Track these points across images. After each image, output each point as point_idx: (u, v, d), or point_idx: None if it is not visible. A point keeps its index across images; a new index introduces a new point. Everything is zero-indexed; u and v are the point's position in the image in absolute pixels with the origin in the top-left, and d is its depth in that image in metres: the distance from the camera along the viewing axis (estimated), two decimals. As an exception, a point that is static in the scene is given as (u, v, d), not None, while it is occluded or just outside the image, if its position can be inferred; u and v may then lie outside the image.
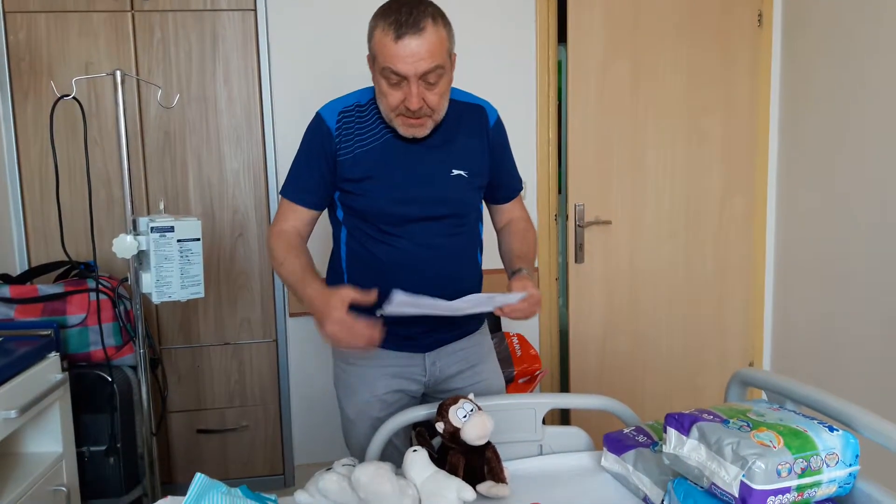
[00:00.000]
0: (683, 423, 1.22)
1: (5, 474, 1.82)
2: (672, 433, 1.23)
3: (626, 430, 1.50)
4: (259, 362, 2.79)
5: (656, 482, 1.32)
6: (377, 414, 1.65)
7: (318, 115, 1.60)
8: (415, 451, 1.36)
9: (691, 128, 2.95)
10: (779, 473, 1.09)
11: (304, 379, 2.85)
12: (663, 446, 1.25)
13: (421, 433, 1.52)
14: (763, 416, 1.22)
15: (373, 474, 1.27)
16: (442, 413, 1.43)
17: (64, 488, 1.90)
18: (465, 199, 1.63)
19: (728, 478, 1.11)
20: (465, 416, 1.40)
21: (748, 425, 1.17)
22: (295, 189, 1.61)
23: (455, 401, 1.44)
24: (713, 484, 1.13)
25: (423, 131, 1.52)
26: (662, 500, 1.28)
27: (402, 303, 1.42)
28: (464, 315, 1.53)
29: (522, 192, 1.75)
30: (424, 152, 1.56)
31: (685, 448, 1.20)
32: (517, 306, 1.47)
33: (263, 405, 2.79)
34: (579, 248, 2.93)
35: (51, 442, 1.93)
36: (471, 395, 1.47)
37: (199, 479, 1.21)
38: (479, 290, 1.66)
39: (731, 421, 1.20)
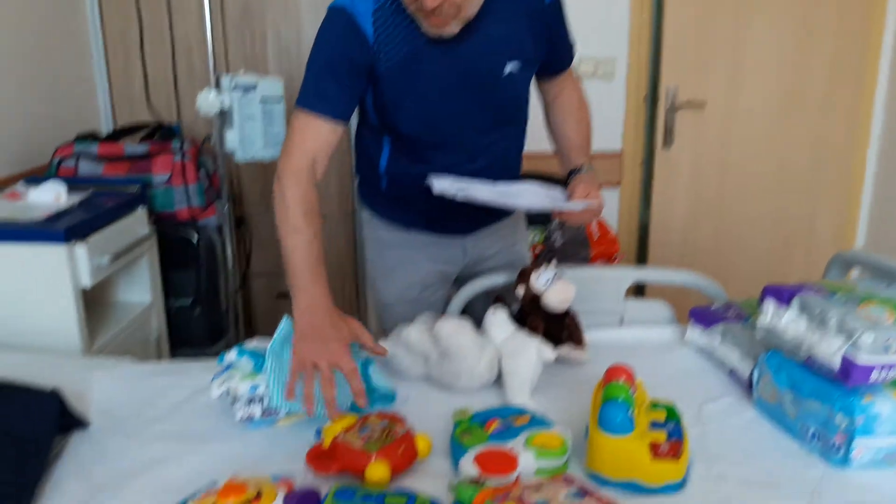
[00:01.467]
0: (783, 295, 1.15)
1: (101, 320, 1.92)
2: (770, 305, 1.17)
3: (714, 306, 1.45)
4: (336, 234, 2.81)
5: (745, 355, 1.27)
6: (416, 296, 1.61)
7: (342, 11, 1.28)
8: (495, 311, 1.34)
9: (801, 10, 2.69)
10: (887, 349, 1.02)
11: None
12: (758, 319, 1.19)
13: (500, 299, 1.51)
14: (872, 293, 1.14)
15: (454, 328, 1.26)
16: (523, 278, 1.40)
17: (154, 335, 1.99)
18: (518, 99, 1.46)
19: (830, 350, 1.05)
20: (546, 282, 1.37)
21: (855, 300, 1.10)
22: (317, 98, 1.31)
23: (537, 267, 1.40)
24: (811, 357, 1.08)
25: (448, 30, 1.27)
26: (751, 374, 1.24)
27: (451, 186, 1.32)
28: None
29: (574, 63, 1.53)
30: (470, 51, 1.32)
31: (783, 320, 1.14)
32: (575, 215, 1.38)
33: (341, 276, 2.84)
34: (668, 132, 2.78)
35: (141, 292, 2.02)
36: (552, 263, 1.43)
37: (285, 322, 1.23)
38: None
39: (837, 294, 1.12)
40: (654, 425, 1.06)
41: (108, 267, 1.76)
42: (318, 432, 1.11)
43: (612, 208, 2.85)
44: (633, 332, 1.50)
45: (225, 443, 1.16)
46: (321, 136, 1.31)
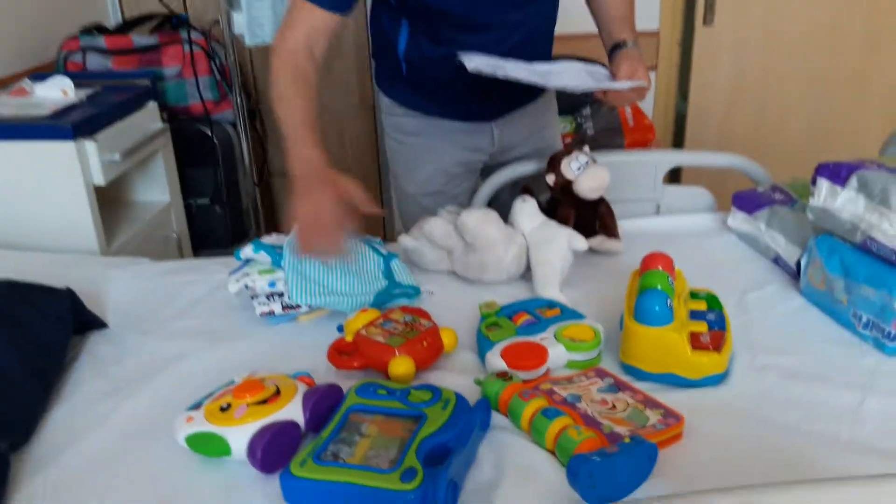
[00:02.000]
0: (839, 172, 1.05)
1: (119, 220, 1.88)
2: (823, 184, 1.07)
3: (760, 189, 1.34)
4: (357, 130, 2.71)
5: (792, 241, 1.19)
6: (440, 187, 1.51)
7: None
8: (524, 200, 1.26)
9: None
10: (955, 228, 0.93)
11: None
12: (809, 200, 1.10)
13: (528, 189, 1.42)
14: (940, 169, 1.03)
15: (480, 218, 1.19)
16: (553, 165, 1.31)
17: (174, 235, 1.96)
18: None
19: (892, 231, 0.95)
20: (578, 168, 1.28)
21: (922, 176, 0.99)
22: None
23: (568, 152, 1.31)
24: (869, 238, 0.98)
25: None
26: (798, 260, 1.15)
27: (485, 64, 1.19)
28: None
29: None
30: None
31: (839, 200, 1.04)
32: (620, 94, 1.25)
33: (363, 174, 2.76)
34: (709, 8, 2.58)
35: (158, 191, 1.97)
36: (585, 148, 1.33)
37: None
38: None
39: (901, 170, 1.02)
40: (695, 315, 0.99)
41: (121, 164, 1.70)
42: (340, 328, 1.07)
43: (648, 93, 2.69)
44: (670, 221, 1.42)
45: (245, 339, 1.12)
46: (316, 23, 1.22)
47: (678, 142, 2.80)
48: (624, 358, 0.97)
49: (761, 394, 0.92)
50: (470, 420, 0.83)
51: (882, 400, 0.89)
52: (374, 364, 0.98)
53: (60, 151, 1.58)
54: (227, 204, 2.18)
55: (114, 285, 1.31)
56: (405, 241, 1.25)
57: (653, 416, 0.84)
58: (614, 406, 0.86)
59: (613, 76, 1.25)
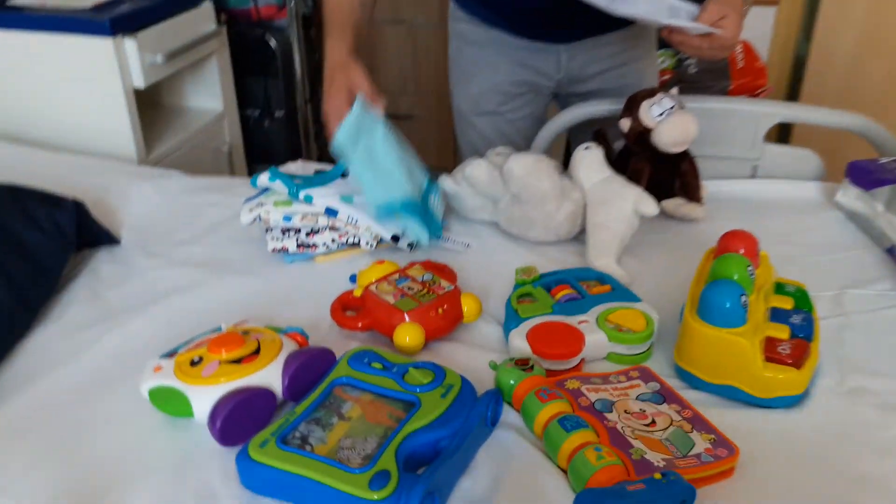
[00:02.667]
0: None
1: (165, 127, 1.77)
2: (974, 166, 0.83)
3: (883, 160, 1.10)
4: (436, 48, 2.51)
5: (919, 232, 0.96)
6: (495, 107, 1.34)
7: None
8: (587, 148, 1.07)
9: None
10: None
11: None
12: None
13: (601, 132, 1.22)
14: None
15: (530, 167, 1.01)
16: (631, 107, 1.10)
17: (225, 147, 1.86)
18: None
19: None
20: (661, 115, 1.06)
21: None
22: None
23: (651, 94, 1.09)
24: None
25: None
26: (922, 256, 0.93)
27: None
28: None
29: None
30: None
31: None
32: (691, 40, 1.02)
33: (437, 95, 2.57)
34: (853, -65, 2.20)
35: (211, 99, 1.86)
36: (673, 90, 1.12)
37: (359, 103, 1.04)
38: None
39: None
40: (776, 316, 0.80)
41: (165, 67, 1.58)
42: (353, 278, 0.93)
43: (764, 31, 2.36)
44: (766, 187, 1.19)
45: (253, 276, 1.00)
46: None
47: (793, 93, 2.46)
48: (678, 359, 0.79)
49: (847, 428, 0.73)
50: (471, 416, 0.69)
51: None
52: (380, 327, 0.84)
53: (97, 48, 1.47)
54: (285, 117, 2.06)
55: (135, 198, 1.23)
56: (446, 183, 1.09)
57: (700, 443, 0.67)
58: (654, 422, 0.70)
59: (697, 18, 1.02)
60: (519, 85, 1.32)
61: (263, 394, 0.72)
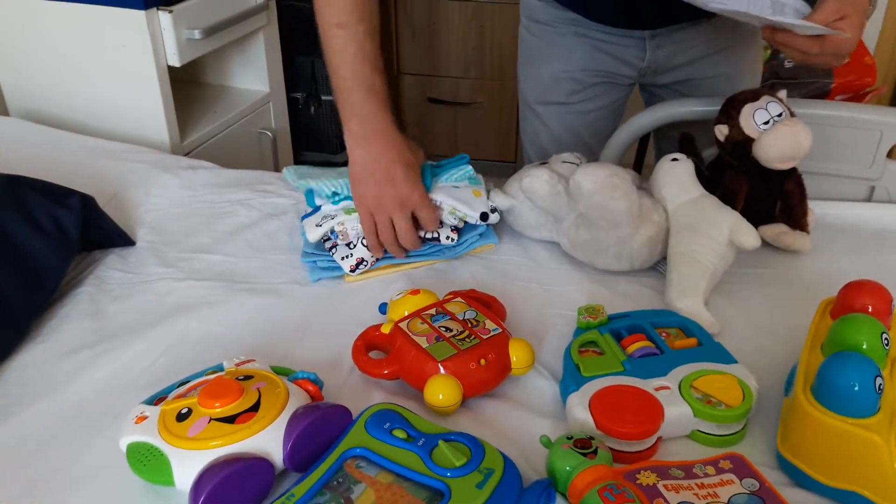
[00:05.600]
0: None
1: (205, 109, 1.65)
2: None
3: None
4: (502, 29, 2.33)
5: None
6: (564, 97, 1.16)
7: None
8: (675, 160, 0.90)
9: None
10: None
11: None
12: None
13: (689, 138, 1.04)
14: None
15: (603, 182, 0.84)
16: (730, 111, 0.92)
17: (269, 133, 1.73)
18: None
19: None
20: (766, 123, 0.88)
21: None
22: None
23: (755, 96, 0.91)
24: None
25: None
26: None
27: None
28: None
29: None
30: None
31: None
32: (799, 42, 0.83)
33: (501, 81, 2.40)
34: None
35: (257, 80, 1.73)
36: (782, 93, 0.93)
37: None
38: None
39: None
40: (916, 398, 0.62)
41: (204, 43, 1.45)
42: (384, 308, 0.79)
43: (873, 23, 2.09)
44: (887, 212, 0.99)
45: (272, 295, 0.87)
46: None
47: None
48: (783, 449, 0.62)
49: None
50: (515, 517, 0.54)
51: None
52: (409, 377, 0.70)
53: (128, 21, 1.35)
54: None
55: (158, 192, 1.11)
56: (498, 198, 0.93)
57: (816, 579, 0.51)
58: (752, 541, 0.53)
59: (810, 17, 0.83)
60: (594, 73, 1.14)
61: (258, 465, 0.58)
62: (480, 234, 0.93)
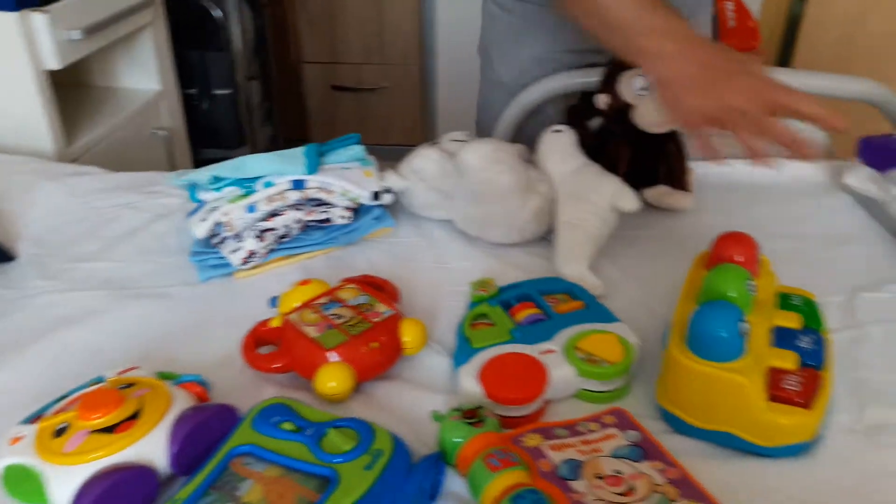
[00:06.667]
0: None
1: (92, 112, 1.59)
2: None
3: (899, 135, 0.95)
4: (401, 12, 2.32)
5: (945, 222, 0.81)
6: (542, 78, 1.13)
7: None
8: (558, 131, 0.91)
9: None
10: None
11: (454, 35, 2.36)
12: None
13: (576, 111, 1.06)
14: None
15: (489, 156, 0.85)
16: (609, 80, 0.95)
17: (165, 131, 1.68)
18: None
19: None
20: (643, 89, 0.91)
21: None
22: None
23: (631, 66, 0.93)
24: None
25: None
26: (950, 252, 0.78)
27: None
28: None
29: None
30: None
31: None
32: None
33: (405, 65, 2.40)
34: None
35: (147, 78, 1.67)
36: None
37: None
38: None
39: None
40: (782, 339, 0.65)
41: (86, 43, 1.39)
42: (274, 301, 0.78)
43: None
44: (763, 169, 1.04)
45: (160, 299, 0.84)
46: None
47: (786, 55, 2.29)
48: (662, 399, 0.65)
49: (867, 481, 0.59)
50: (404, 493, 0.54)
51: None
52: (301, 369, 0.69)
53: (1, 25, 1.28)
54: (235, 96, 1.87)
55: (40, 202, 1.06)
56: (392, 180, 0.93)
57: (689, 518, 0.53)
58: (631, 489, 0.55)
59: None
60: (580, 54, 1.10)
61: (140, 474, 0.57)
62: (376, 218, 0.93)
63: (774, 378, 0.61)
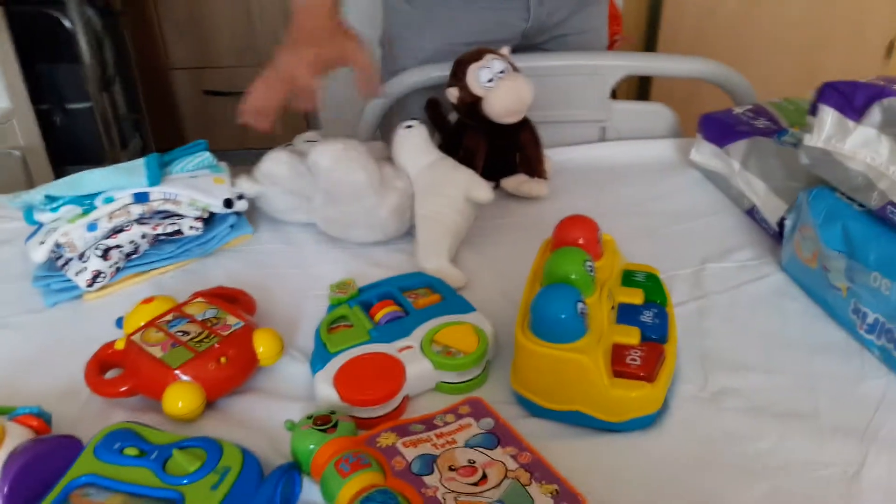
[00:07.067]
0: (855, 96, 0.70)
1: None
2: (828, 114, 0.73)
3: (737, 110, 1.00)
4: (272, 12, 2.27)
5: (777, 189, 0.86)
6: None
7: None
8: (409, 126, 0.91)
9: None
10: None
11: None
12: (804, 136, 0.76)
13: (434, 104, 1.07)
14: None
15: (338, 156, 0.84)
16: (458, 74, 0.95)
17: (17, 152, 1.58)
18: None
19: (926, 196, 0.63)
20: (490, 80, 0.92)
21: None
22: None
23: (479, 56, 0.94)
24: (891, 204, 0.66)
25: None
26: (782, 219, 0.83)
27: None
28: None
29: None
30: None
31: (850, 140, 0.71)
32: None
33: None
34: None
35: (-7, 95, 1.57)
36: (504, 49, 0.97)
37: None
38: None
39: (944, 99, 0.68)
40: (625, 315, 0.68)
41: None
42: (120, 322, 0.74)
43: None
44: (614, 149, 1.08)
45: (2, 330, 0.79)
46: None
47: (651, 39, 2.38)
48: (515, 383, 0.66)
49: (711, 446, 0.61)
50: (253, 508, 0.53)
51: (890, 458, 0.59)
52: (148, 390, 0.66)
53: None
54: (98, 109, 1.78)
55: None
56: (245, 185, 0.90)
57: (540, 499, 0.54)
58: (484, 477, 0.56)
59: None
60: (479, 44, 1.08)
61: (-35, 520, 0.53)
62: (232, 226, 0.90)
63: (618, 354, 0.63)
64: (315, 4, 0.87)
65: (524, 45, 1.20)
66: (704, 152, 0.99)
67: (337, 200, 0.86)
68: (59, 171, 1.74)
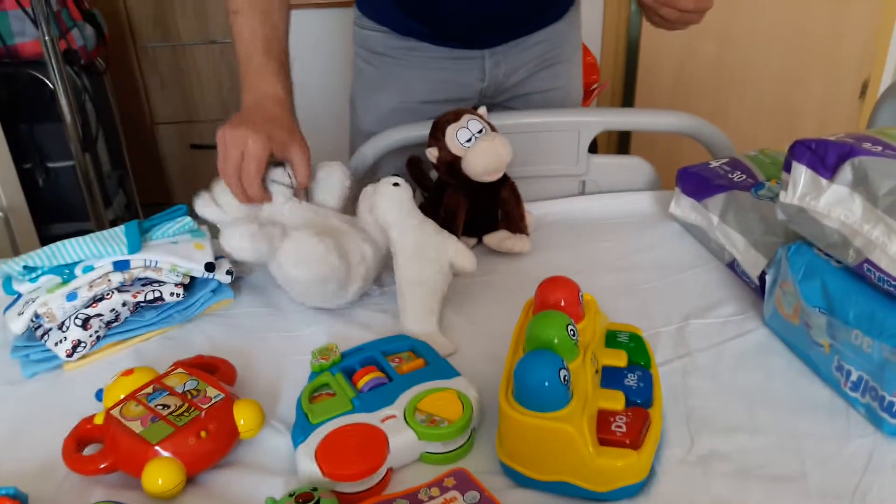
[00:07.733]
0: (827, 154, 0.72)
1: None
2: (802, 172, 0.74)
3: (713, 164, 1.01)
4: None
5: (756, 243, 0.87)
6: None
7: None
8: (396, 185, 0.91)
9: None
10: None
11: (315, 83, 2.35)
12: (780, 192, 0.77)
13: (415, 161, 1.08)
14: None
15: (314, 275, 0.81)
16: (436, 134, 0.96)
17: (1, 213, 1.57)
18: None
19: (901, 255, 0.64)
20: (469, 140, 0.93)
21: (942, 165, 0.67)
22: None
23: (457, 117, 0.96)
24: (867, 262, 0.67)
25: None
26: (763, 274, 0.84)
27: None
28: None
29: None
30: None
31: (824, 198, 0.71)
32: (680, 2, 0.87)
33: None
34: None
35: (-25, 157, 1.57)
36: (482, 110, 0.98)
37: None
38: None
39: (914, 157, 0.69)
40: (609, 379, 0.67)
41: None
42: (100, 394, 0.73)
43: (594, 24, 2.31)
44: (597, 203, 1.09)
45: (-20, 404, 0.78)
46: None
47: (629, 87, 2.43)
48: (501, 453, 0.65)
49: (701, 510, 0.61)
50: None
51: (880, 521, 0.59)
52: (127, 467, 0.65)
53: None
54: (81, 167, 1.78)
55: None
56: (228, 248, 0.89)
57: (527, 577, 0.53)
58: (470, 554, 0.55)
59: None
60: (433, 104, 1.15)
61: None
62: (213, 291, 0.89)
63: (603, 421, 0.63)
64: (268, 101, 0.92)
65: (487, 104, 1.22)
66: (683, 206, 1.00)
67: (299, 293, 0.86)
68: (43, 230, 1.73)
